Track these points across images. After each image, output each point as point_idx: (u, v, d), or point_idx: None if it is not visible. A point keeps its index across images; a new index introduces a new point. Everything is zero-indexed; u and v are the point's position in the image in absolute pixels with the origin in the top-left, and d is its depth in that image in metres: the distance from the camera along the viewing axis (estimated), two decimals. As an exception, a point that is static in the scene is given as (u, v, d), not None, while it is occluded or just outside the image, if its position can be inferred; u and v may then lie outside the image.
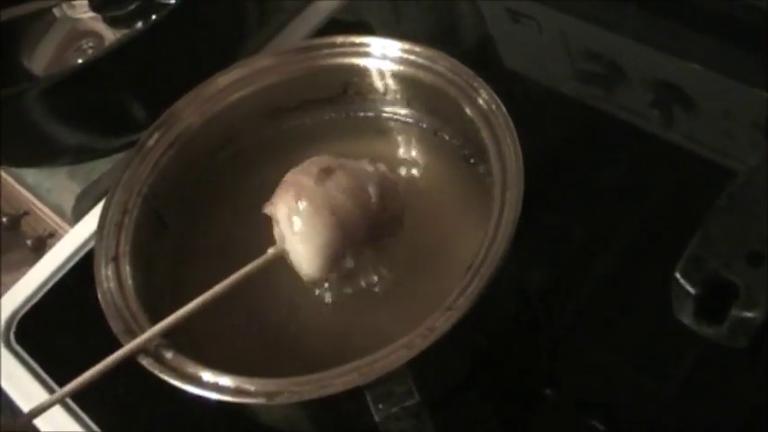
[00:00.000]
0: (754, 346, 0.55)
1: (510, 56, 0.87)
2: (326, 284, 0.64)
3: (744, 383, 0.60)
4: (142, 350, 0.56)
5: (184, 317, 0.58)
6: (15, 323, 0.74)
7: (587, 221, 0.71)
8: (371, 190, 0.61)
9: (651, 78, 0.78)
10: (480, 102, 0.64)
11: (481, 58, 0.85)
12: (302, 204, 0.59)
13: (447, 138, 0.70)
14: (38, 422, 0.66)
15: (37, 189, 0.88)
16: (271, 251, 0.61)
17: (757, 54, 0.76)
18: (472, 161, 0.67)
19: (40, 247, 1.06)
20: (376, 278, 0.64)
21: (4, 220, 1.11)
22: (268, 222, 0.65)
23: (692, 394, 0.60)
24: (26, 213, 1.07)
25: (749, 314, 0.54)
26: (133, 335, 0.57)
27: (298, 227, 0.59)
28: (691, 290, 0.56)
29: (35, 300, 0.76)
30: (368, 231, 0.61)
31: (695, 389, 0.60)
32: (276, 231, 0.62)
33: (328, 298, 0.64)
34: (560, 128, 0.78)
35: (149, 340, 0.56)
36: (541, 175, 0.69)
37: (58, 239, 0.81)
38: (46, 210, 0.91)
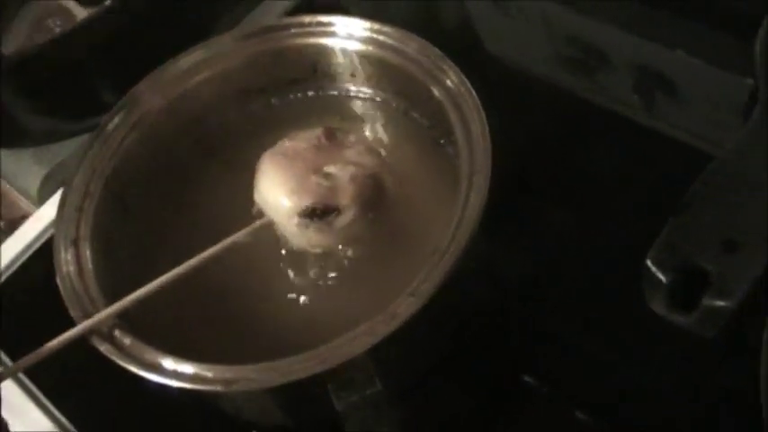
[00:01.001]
0: (729, 335, 0.55)
1: (491, 41, 0.86)
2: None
3: (719, 371, 0.59)
4: (96, 331, 0.56)
5: (142, 297, 0.57)
6: (-23, 308, 0.74)
7: (567, 208, 0.70)
8: (315, 132, 0.65)
9: (633, 64, 0.78)
10: (449, 83, 0.63)
11: (462, 43, 0.85)
12: (261, 166, 0.64)
13: (416, 117, 0.69)
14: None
15: (3, 172, 0.87)
16: (258, 221, 0.63)
17: (739, 40, 0.74)
18: (441, 142, 0.66)
19: (14, 229, 1.05)
20: (345, 261, 0.63)
21: (-23, 203, 1.10)
22: (233, 206, 0.66)
23: (670, 383, 0.60)
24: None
25: (721, 303, 0.53)
26: (91, 318, 0.56)
27: (262, 185, 0.64)
28: (662, 277, 0.55)
29: (-4, 285, 0.75)
30: (326, 154, 0.63)
31: (673, 377, 0.60)
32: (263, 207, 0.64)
33: (300, 281, 0.63)
34: (541, 113, 0.77)
35: (105, 320, 0.56)
36: (521, 160, 0.69)
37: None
38: (17, 193, 0.90)
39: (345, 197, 0.61)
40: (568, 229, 0.69)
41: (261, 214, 0.64)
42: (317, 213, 0.61)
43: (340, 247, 0.63)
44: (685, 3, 0.78)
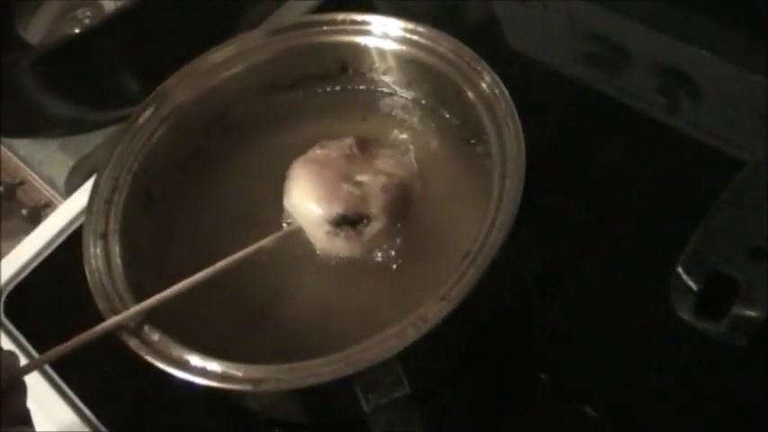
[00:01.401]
0: (752, 343, 0.55)
1: (515, 36, 0.86)
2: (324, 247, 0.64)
3: (737, 374, 0.59)
4: (124, 326, 0.56)
5: (171, 296, 0.57)
6: (4, 297, 0.74)
7: (588, 207, 0.70)
8: (347, 141, 0.65)
9: (657, 63, 0.77)
10: (483, 86, 0.63)
11: (486, 37, 0.84)
12: (292, 173, 0.65)
13: (447, 116, 0.69)
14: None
15: (29, 160, 0.88)
16: (287, 227, 0.64)
17: (764, 42, 0.75)
18: (472, 141, 0.66)
19: (36, 216, 1.05)
20: (373, 263, 0.63)
21: (1, 188, 1.11)
22: (258, 201, 0.67)
23: (685, 385, 0.60)
24: (22, 182, 1.06)
25: (751, 313, 0.54)
26: (118, 314, 0.57)
27: (292, 191, 0.64)
28: (693, 285, 0.55)
29: (24, 274, 0.75)
30: (357, 163, 0.64)
31: (688, 379, 0.60)
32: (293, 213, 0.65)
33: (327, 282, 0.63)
34: (563, 110, 0.77)
35: (132, 317, 0.56)
36: (542, 158, 0.68)
37: (53, 209, 0.81)
38: (41, 180, 0.91)
39: (376, 206, 0.62)
40: (588, 229, 0.69)
41: (289, 220, 0.65)
42: (348, 221, 0.61)
43: (368, 253, 0.63)
44: (712, 3, 0.77)
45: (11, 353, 0.53)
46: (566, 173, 0.72)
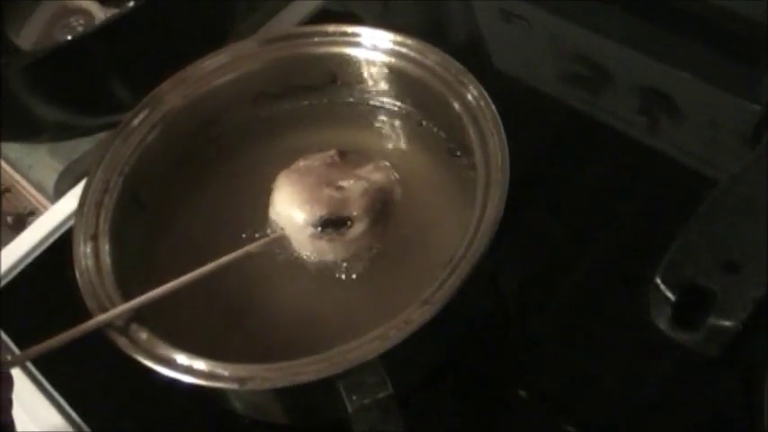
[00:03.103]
0: (728, 354, 0.56)
1: (499, 55, 0.87)
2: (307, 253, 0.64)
3: (716, 390, 0.60)
4: (110, 324, 0.56)
5: (158, 297, 0.58)
6: (-8, 299, 0.74)
7: (568, 223, 0.71)
8: (329, 152, 0.67)
9: (638, 84, 0.78)
10: (469, 98, 0.64)
11: (470, 55, 0.84)
12: (276, 184, 0.66)
13: (433, 128, 0.70)
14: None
15: (18, 165, 0.87)
16: (272, 234, 0.65)
17: (745, 65, 0.76)
18: (457, 154, 0.67)
19: (20, 225, 1.05)
20: (358, 269, 0.64)
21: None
22: (245, 207, 0.67)
23: (664, 400, 0.60)
24: (7, 190, 1.06)
25: (726, 323, 0.54)
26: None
27: (276, 199, 0.65)
28: (670, 296, 0.56)
29: (11, 276, 0.75)
30: (339, 171, 0.65)
31: (668, 394, 0.60)
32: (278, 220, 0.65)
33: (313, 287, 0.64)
34: (546, 129, 0.78)
35: (119, 315, 0.57)
36: (524, 174, 0.69)
37: (39, 216, 0.81)
38: (28, 187, 0.91)
39: (357, 209, 0.63)
40: (569, 244, 0.70)
41: (275, 230, 0.65)
42: (330, 223, 0.62)
43: (352, 256, 0.64)
44: (693, 25, 0.79)
45: None
46: (548, 189, 0.73)
